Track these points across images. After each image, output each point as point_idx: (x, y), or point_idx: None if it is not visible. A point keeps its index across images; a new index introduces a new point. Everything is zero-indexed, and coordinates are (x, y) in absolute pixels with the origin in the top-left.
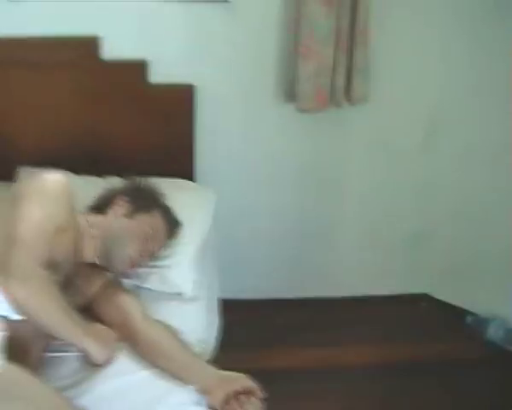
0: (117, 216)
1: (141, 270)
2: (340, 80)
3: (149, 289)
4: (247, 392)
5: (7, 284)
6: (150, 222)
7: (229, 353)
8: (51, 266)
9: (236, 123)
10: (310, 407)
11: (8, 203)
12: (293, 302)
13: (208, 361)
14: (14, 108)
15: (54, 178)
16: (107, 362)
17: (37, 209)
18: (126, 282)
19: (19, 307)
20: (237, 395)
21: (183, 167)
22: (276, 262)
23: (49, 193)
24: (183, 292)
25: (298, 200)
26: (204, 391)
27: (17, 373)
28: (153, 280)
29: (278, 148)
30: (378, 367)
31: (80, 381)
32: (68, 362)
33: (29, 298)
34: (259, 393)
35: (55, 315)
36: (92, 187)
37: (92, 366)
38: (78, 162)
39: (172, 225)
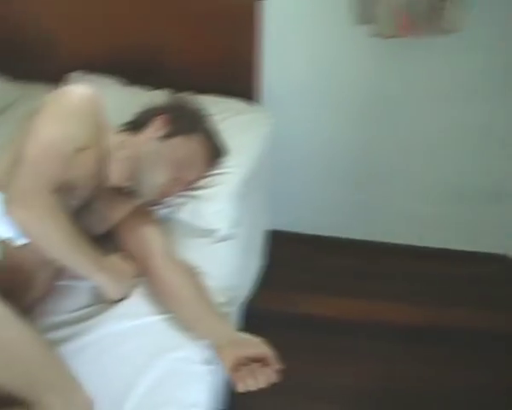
0: (152, 137)
1: (173, 200)
2: (424, 3)
3: (181, 223)
4: (262, 360)
5: (8, 207)
6: (188, 147)
7: (266, 290)
8: (67, 189)
9: (304, 43)
10: (341, 361)
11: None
12: (345, 242)
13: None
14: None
15: (78, 94)
16: (120, 299)
17: (53, 126)
18: (157, 212)
19: (22, 231)
20: (250, 361)
21: (243, 87)
22: (331, 198)
23: (71, 110)
24: (217, 229)
25: (361, 134)
26: (215, 350)
27: None
28: (185, 212)
29: (345, 74)
30: (426, 331)
31: (86, 317)
32: (79, 294)
33: (30, 224)
34: (275, 363)
35: (61, 244)
36: (138, 100)
37: (104, 301)
38: (131, 71)
39: (215, 152)
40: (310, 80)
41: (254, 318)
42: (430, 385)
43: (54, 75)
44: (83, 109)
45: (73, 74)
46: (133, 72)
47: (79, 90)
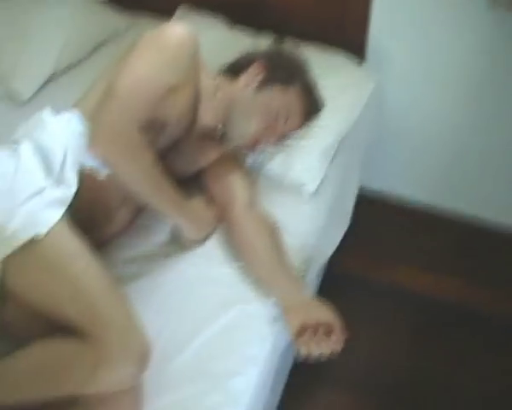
0: (249, 83)
1: (263, 149)
2: None
3: (269, 174)
4: (328, 327)
5: (93, 141)
6: (285, 98)
7: (349, 253)
8: (158, 127)
9: (420, 9)
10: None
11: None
12: (438, 217)
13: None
14: None
15: (178, 32)
16: (197, 243)
17: (148, 63)
18: (247, 159)
19: (104, 165)
20: (316, 327)
21: (351, 40)
22: (431, 170)
23: (167, 48)
24: (306, 186)
25: (473, 112)
26: (282, 310)
27: (65, 241)
28: (275, 164)
29: (462, 46)
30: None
31: (162, 256)
32: (158, 232)
33: (114, 159)
34: (341, 333)
35: (142, 181)
36: (241, 43)
37: (182, 242)
38: (238, 11)
39: (311, 106)
40: (419, 44)
41: (332, 279)
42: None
43: (162, 7)
44: (180, 49)
45: (180, 8)
46: (238, 11)
47: (178, 30)
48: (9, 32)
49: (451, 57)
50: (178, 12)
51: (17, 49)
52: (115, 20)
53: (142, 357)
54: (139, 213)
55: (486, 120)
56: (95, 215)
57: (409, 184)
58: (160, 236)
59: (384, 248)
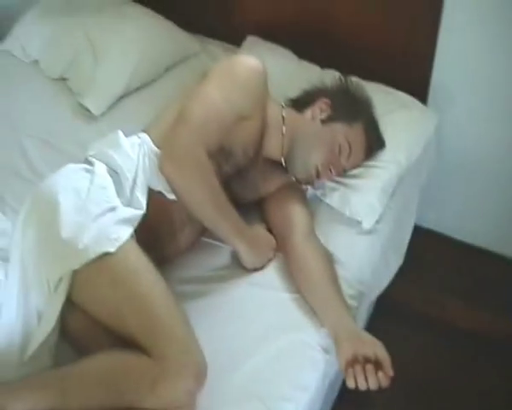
0: (314, 118)
1: (324, 183)
2: None
3: (328, 208)
4: (377, 363)
5: (162, 161)
6: (348, 134)
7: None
8: (224, 154)
9: (485, 45)
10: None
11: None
12: (492, 256)
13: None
14: None
15: (249, 63)
16: (255, 269)
17: (218, 92)
18: (308, 192)
19: (171, 187)
20: (366, 361)
21: (414, 80)
22: (491, 209)
23: (239, 79)
24: (363, 221)
25: None
26: (333, 339)
27: (132, 260)
28: (334, 198)
29: None
30: None
31: (221, 278)
32: (219, 254)
33: (180, 181)
34: (389, 369)
35: (206, 205)
36: (306, 77)
37: (240, 266)
38: (304, 44)
39: (373, 144)
40: (481, 86)
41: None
42: None
43: (226, 35)
44: (250, 80)
45: (249, 37)
46: (304, 45)
47: (250, 61)
48: (86, 48)
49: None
50: (247, 42)
51: (92, 66)
52: (187, 43)
53: (200, 375)
54: (204, 233)
55: None
56: (159, 235)
57: (463, 226)
58: (219, 259)
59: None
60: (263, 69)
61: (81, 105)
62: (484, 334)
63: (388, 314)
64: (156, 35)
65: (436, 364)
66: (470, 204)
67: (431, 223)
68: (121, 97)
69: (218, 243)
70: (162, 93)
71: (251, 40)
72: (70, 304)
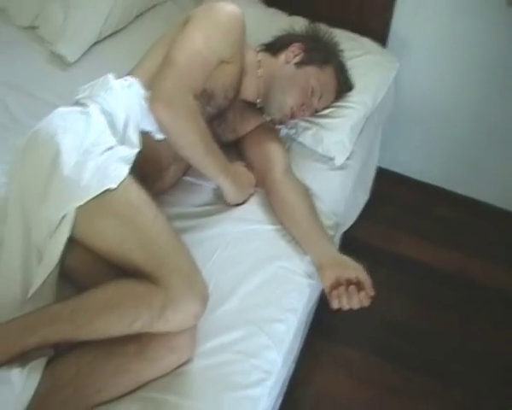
0: (288, 62)
1: (297, 123)
2: None
3: (301, 145)
4: (359, 284)
5: (153, 104)
6: (320, 77)
7: (361, 224)
8: (206, 96)
9: (446, 8)
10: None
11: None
12: (450, 196)
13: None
14: None
15: (229, 10)
16: (238, 204)
17: (201, 37)
18: (281, 131)
19: (161, 128)
20: (348, 283)
21: (376, 28)
22: (445, 150)
23: (220, 24)
24: (335, 158)
25: (487, 98)
26: (317, 267)
27: (133, 194)
28: (307, 136)
29: (480, 43)
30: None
31: (206, 213)
32: (202, 191)
33: (172, 122)
34: (371, 289)
35: (195, 144)
36: (276, 24)
37: (223, 202)
38: None
39: (343, 85)
40: (447, 43)
41: (350, 247)
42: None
43: None
44: (231, 26)
45: None
46: None
47: (229, 8)
48: None
49: (470, 45)
50: None
51: (65, 14)
52: None
53: (205, 298)
54: (186, 172)
55: (499, 101)
56: (147, 173)
57: (419, 164)
58: (202, 196)
59: (392, 220)
60: (242, 15)
61: (53, 53)
62: (437, 266)
63: (348, 249)
64: None
65: (396, 294)
66: (424, 145)
67: (386, 163)
68: (94, 44)
69: (199, 181)
70: (133, 39)
71: None
72: (70, 242)
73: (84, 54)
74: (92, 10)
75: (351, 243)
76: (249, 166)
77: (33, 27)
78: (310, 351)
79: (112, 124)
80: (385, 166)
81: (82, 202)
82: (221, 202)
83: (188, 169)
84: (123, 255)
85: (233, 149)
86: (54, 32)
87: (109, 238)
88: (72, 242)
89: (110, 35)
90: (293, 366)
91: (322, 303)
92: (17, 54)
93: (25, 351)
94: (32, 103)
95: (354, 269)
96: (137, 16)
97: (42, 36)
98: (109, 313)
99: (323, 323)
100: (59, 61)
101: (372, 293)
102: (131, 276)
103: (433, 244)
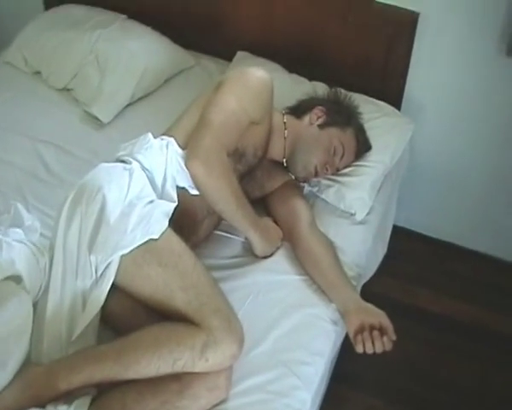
0: (311, 124)
1: (320, 181)
2: None
3: (324, 202)
4: (382, 330)
5: (190, 162)
6: (341, 138)
7: (378, 278)
8: (238, 155)
9: (452, 64)
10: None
11: (214, 85)
12: (466, 253)
13: (364, 285)
14: None
15: (259, 75)
16: (266, 256)
17: (234, 99)
18: (305, 188)
19: (197, 184)
20: (372, 328)
21: (391, 92)
22: (461, 208)
23: (251, 88)
24: (356, 214)
25: (500, 158)
26: (342, 313)
27: (174, 243)
28: (330, 194)
29: (491, 101)
30: None
31: (237, 265)
32: (232, 244)
33: (208, 179)
34: (393, 334)
35: (228, 200)
36: (298, 89)
37: (252, 255)
38: (293, 59)
39: (362, 146)
40: (455, 100)
41: (369, 300)
42: None
43: (218, 51)
44: (261, 89)
45: (239, 53)
46: (291, 61)
47: (260, 73)
48: (91, 61)
49: (481, 104)
50: (237, 57)
51: (100, 77)
52: (183, 58)
53: (242, 340)
54: (218, 226)
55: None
56: (182, 226)
57: (434, 221)
58: (232, 249)
59: (408, 275)
60: (271, 80)
61: (88, 114)
62: (451, 318)
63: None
64: (156, 50)
65: (415, 343)
66: (438, 204)
67: (402, 221)
68: (126, 106)
69: (229, 235)
70: (162, 102)
71: (241, 55)
72: (112, 288)
73: (118, 115)
74: (126, 74)
75: (369, 297)
76: (275, 221)
77: (67, 89)
78: (332, 398)
79: (152, 179)
80: (400, 224)
81: (127, 251)
82: (250, 255)
83: (219, 223)
84: (165, 299)
85: (260, 204)
86: (89, 94)
87: (153, 283)
88: (113, 288)
89: (142, 98)
90: None
91: (344, 351)
92: (52, 114)
93: (70, 389)
94: (69, 159)
95: (377, 315)
96: (166, 81)
97: (76, 97)
98: (154, 353)
99: (346, 371)
100: (93, 121)
101: (394, 337)
102: (171, 320)
103: (448, 297)
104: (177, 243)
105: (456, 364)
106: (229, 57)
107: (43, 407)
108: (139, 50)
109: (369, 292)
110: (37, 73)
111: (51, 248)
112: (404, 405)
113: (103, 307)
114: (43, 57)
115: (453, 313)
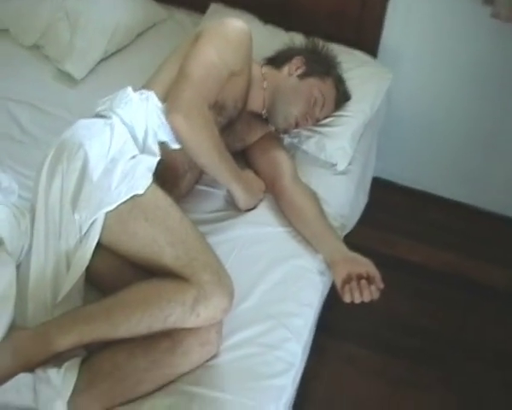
0: (291, 74)
1: (300, 132)
2: None
3: (305, 153)
4: (369, 278)
5: (172, 115)
6: (321, 88)
7: (362, 228)
8: (218, 107)
9: (429, 12)
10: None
11: (191, 37)
12: (443, 202)
13: (344, 236)
14: None
15: (238, 26)
16: (248, 209)
17: (214, 51)
18: (285, 140)
19: (179, 138)
20: (359, 278)
21: (367, 41)
22: (438, 158)
23: (230, 39)
24: (338, 164)
25: (478, 109)
26: (329, 264)
27: (160, 198)
28: (310, 144)
29: (469, 50)
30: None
31: (220, 219)
32: (214, 198)
33: (190, 132)
34: (380, 283)
35: (211, 153)
36: (274, 39)
37: (235, 208)
38: (267, 10)
39: (342, 96)
40: (425, 47)
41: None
42: None
43: (191, 3)
44: (241, 40)
45: (213, 5)
46: (266, 11)
47: (239, 23)
48: (64, 17)
49: (459, 54)
50: (211, 9)
51: (72, 34)
52: (155, 11)
53: (232, 293)
54: (199, 180)
55: (490, 111)
56: (164, 181)
57: (411, 172)
58: (214, 203)
59: (387, 225)
60: (249, 31)
61: (60, 71)
62: (430, 266)
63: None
64: (128, 4)
65: (395, 292)
66: (415, 154)
67: (379, 171)
68: (99, 62)
69: (211, 189)
70: (136, 57)
71: (215, 7)
72: (97, 247)
73: (91, 71)
74: (98, 29)
75: (350, 247)
76: (257, 173)
77: (37, 46)
78: (316, 348)
79: (133, 134)
80: (377, 174)
81: (112, 207)
82: (233, 208)
83: (200, 177)
84: (153, 255)
85: (240, 157)
86: (60, 51)
87: (140, 240)
88: (98, 247)
89: (115, 53)
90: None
91: (328, 302)
92: (24, 72)
93: (59, 351)
94: (43, 118)
95: (364, 264)
96: (139, 35)
97: (47, 54)
98: (143, 311)
99: (328, 321)
100: (66, 78)
101: (382, 286)
102: (159, 277)
103: (427, 246)
104: (162, 197)
105: (435, 312)
106: (202, 9)
107: (33, 371)
108: (110, 5)
109: (348, 242)
110: (5, 30)
111: (32, 209)
112: (386, 352)
113: (88, 267)
114: (11, 14)
115: (431, 262)
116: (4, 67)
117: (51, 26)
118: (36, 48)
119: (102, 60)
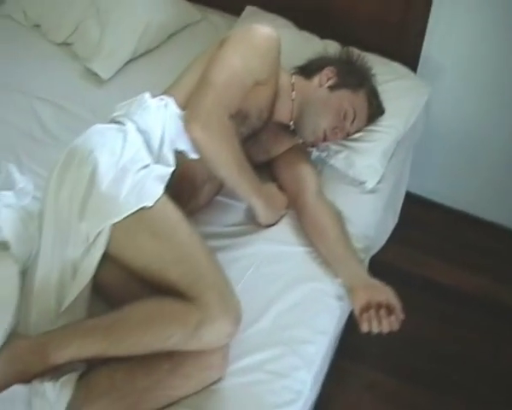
0: (321, 85)
1: (329, 146)
2: None
3: (333, 168)
4: (389, 308)
5: (190, 124)
6: (353, 101)
7: (391, 245)
8: (241, 117)
9: (474, 24)
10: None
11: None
12: (479, 222)
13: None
14: None
15: (266, 32)
16: (269, 225)
17: (238, 58)
18: (313, 153)
19: (197, 148)
20: (378, 307)
21: (408, 53)
22: (476, 176)
23: (257, 46)
24: (367, 182)
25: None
26: (348, 289)
27: (169, 212)
28: (339, 159)
29: (510, 65)
30: None
31: (238, 233)
32: (234, 211)
33: (208, 142)
34: (400, 313)
35: (230, 165)
36: (308, 47)
37: (255, 223)
38: (304, 15)
39: (375, 109)
40: (467, 59)
41: (377, 269)
42: None
43: (226, 5)
44: (267, 48)
45: (249, 7)
46: (303, 17)
47: (266, 30)
48: (91, 14)
49: (502, 69)
50: (246, 11)
51: (101, 32)
52: (188, 12)
53: (238, 319)
54: (219, 191)
55: None
56: (181, 192)
57: (448, 189)
58: (234, 216)
59: (419, 244)
60: (278, 38)
61: (88, 69)
62: (461, 289)
63: (375, 271)
64: (160, 3)
65: (422, 316)
66: (453, 171)
67: (414, 188)
68: (128, 62)
69: (231, 201)
70: (166, 58)
71: (250, 10)
72: (103, 258)
73: (119, 72)
74: (128, 29)
75: (378, 265)
76: (281, 188)
77: (67, 44)
78: (335, 372)
79: (148, 142)
80: (412, 190)
81: (119, 219)
82: (252, 223)
83: (221, 189)
84: (159, 271)
85: (265, 169)
86: (88, 49)
87: (146, 254)
88: (105, 258)
89: (144, 53)
90: (320, 386)
91: (349, 325)
92: (51, 69)
93: (58, 364)
94: (66, 118)
95: (385, 293)
96: (171, 36)
97: (76, 52)
98: (144, 330)
99: (349, 345)
100: (93, 77)
101: (402, 317)
102: (164, 294)
103: (458, 268)
104: (172, 211)
105: (464, 338)
106: (237, 12)
107: (29, 382)
108: (142, 3)
109: (376, 260)
110: (37, 26)
111: (41, 214)
112: (408, 380)
113: (95, 277)
114: (43, 10)
115: (463, 285)
116: (33, 63)
117: (82, 23)
118: (66, 45)
119: (131, 60)
